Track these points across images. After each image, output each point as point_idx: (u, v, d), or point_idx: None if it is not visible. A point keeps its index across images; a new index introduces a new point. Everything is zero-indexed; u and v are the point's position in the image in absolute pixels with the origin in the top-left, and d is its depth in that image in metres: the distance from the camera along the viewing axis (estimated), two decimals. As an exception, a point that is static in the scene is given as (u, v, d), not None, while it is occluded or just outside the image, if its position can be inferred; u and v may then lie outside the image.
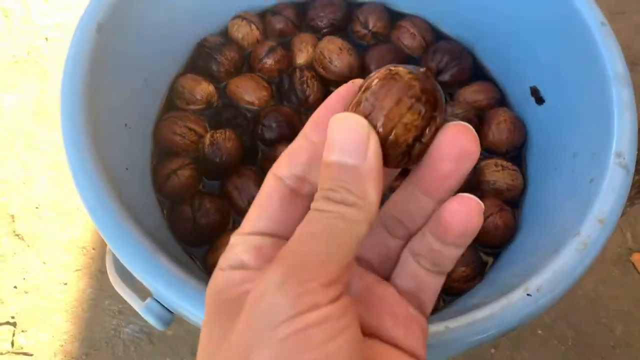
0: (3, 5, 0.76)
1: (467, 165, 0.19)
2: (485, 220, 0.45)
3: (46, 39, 0.74)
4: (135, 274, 0.34)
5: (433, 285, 0.22)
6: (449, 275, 0.42)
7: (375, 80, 0.18)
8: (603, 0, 0.79)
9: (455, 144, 0.19)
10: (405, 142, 0.18)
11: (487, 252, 0.46)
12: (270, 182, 0.21)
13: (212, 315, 0.19)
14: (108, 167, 0.38)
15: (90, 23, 0.42)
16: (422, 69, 0.19)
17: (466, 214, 0.19)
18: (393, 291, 0.22)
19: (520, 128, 0.49)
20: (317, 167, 0.20)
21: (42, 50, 0.73)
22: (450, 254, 0.20)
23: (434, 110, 0.18)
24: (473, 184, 0.48)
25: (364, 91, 0.18)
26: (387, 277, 0.23)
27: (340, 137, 0.18)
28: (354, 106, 0.18)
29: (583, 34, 0.43)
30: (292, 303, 0.16)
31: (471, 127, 0.19)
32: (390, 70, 0.18)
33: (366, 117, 0.18)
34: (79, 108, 0.39)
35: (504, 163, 0.48)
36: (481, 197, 0.47)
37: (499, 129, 0.49)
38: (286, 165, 0.21)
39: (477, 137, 0.19)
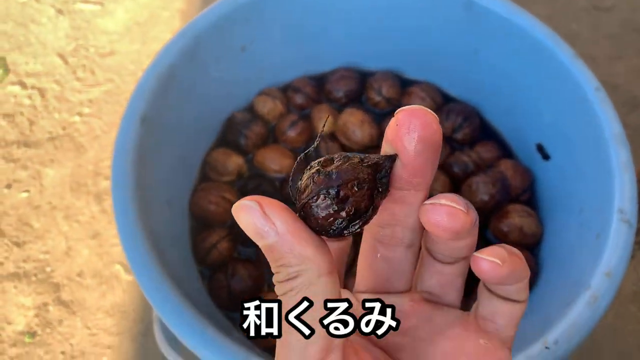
0: (39, 85, 0.82)
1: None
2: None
3: (79, 114, 0.79)
4: (188, 346, 0.38)
5: (506, 310, 0.20)
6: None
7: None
8: (601, 47, 0.83)
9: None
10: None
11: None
12: None
13: None
14: (156, 243, 0.42)
15: (134, 115, 0.46)
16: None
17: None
18: (455, 316, 0.21)
19: (521, 172, 0.53)
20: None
21: (76, 125, 0.78)
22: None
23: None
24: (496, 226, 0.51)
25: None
26: (454, 304, 0.22)
27: (245, 224, 0.18)
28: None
29: (580, 97, 0.46)
30: None
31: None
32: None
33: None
34: (128, 192, 0.43)
35: (530, 210, 0.51)
36: (505, 238, 0.50)
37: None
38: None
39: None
